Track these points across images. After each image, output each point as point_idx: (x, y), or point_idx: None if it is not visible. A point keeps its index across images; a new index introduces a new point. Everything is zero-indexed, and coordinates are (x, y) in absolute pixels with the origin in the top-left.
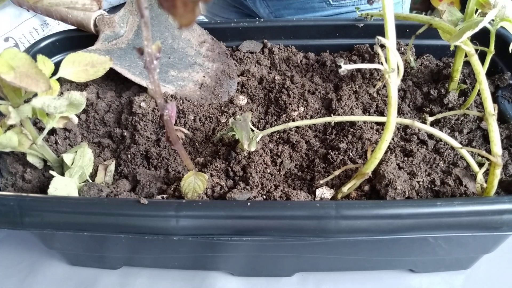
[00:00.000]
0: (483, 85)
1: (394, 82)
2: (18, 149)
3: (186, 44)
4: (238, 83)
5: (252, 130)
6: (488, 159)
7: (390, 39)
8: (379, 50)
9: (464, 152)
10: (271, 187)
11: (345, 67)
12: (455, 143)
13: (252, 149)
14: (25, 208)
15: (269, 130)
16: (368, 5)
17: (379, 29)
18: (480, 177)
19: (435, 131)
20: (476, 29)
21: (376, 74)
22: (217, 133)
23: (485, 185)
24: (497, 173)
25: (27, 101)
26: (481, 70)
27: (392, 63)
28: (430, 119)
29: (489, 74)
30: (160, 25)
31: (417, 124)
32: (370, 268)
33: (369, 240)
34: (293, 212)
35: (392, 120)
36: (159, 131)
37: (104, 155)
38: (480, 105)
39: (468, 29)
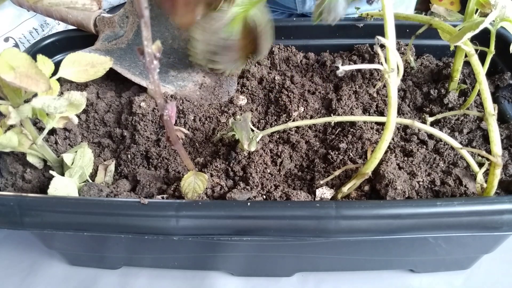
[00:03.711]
0: (483, 85)
1: (394, 82)
2: (18, 149)
3: (186, 44)
4: (238, 83)
5: (252, 130)
6: (488, 159)
7: (390, 39)
8: (379, 50)
9: (464, 152)
10: (271, 187)
11: (343, 68)
12: (455, 143)
13: (252, 149)
14: (25, 208)
15: (269, 130)
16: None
17: (379, 29)
18: (480, 177)
19: (435, 131)
20: (477, 30)
21: (376, 74)
22: (217, 133)
23: (485, 185)
24: (497, 173)
25: (27, 101)
26: (481, 70)
27: (392, 63)
28: (430, 119)
29: (489, 74)
30: (160, 25)
31: (417, 124)
32: (370, 268)
33: (369, 240)
34: (293, 212)
35: (392, 120)
36: (159, 131)
37: (104, 155)
38: (480, 105)
39: (468, 30)
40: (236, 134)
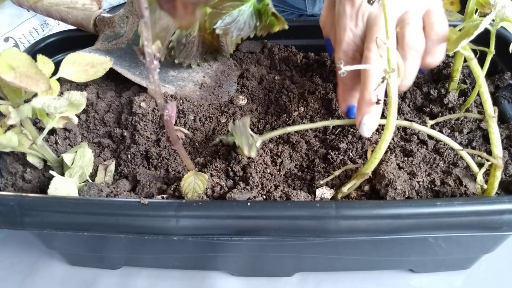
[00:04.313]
0: (483, 88)
1: (394, 82)
2: (18, 149)
3: None
4: (238, 83)
5: (252, 136)
6: (488, 161)
7: (390, 39)
8: (379, 51)
9: (464, 153)
10: (271, 187)
11: (345, 69)
12: (454, 145)
13: (253, 155)
14: (25, 208)
15: (268, 135)
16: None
17: None
18: (480, 178)
19: (434, 133)
20: (473, 36)
21: None
22: (215, 137)
23: (485, 186)
24: (498, 175)
25: (27, 101)
26: (480, 74)
27: (393, 64)
28: (430, 122)
29: (489, 74)
30: None
31: (416, 126)
32: (370, 268)
33: (369, 240)
34: (293, 212)
35: (392, 120)
36: (159, 131)
37: (104, 155)
38: (480, 105)
39: (464, 37)
40: (236, 140)
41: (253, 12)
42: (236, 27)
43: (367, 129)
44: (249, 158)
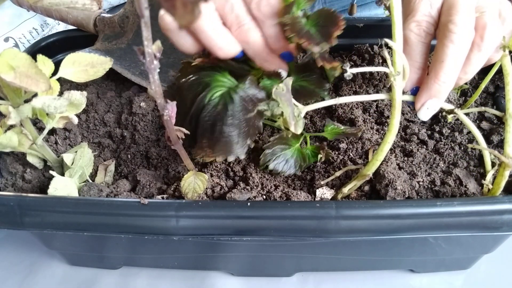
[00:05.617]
0: (510, 86)
1: (399, 85)
2: (18, 149)
3: None
4: None
5: (296, 106)
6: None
7: (397, 41)
8: (386, 53)
9: (486, 153)
10: (271, 187)
11: (351, 71)
12: (483, 143)
13: (299, 131)
14: (25, 208)
15: (313, 106)
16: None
17: (379, 29)
18: (489, 177)
19: (471, 126)
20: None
21: (376, 74)
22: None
23: (490, 186)
24: (506, 175)
25: (27, 101)
26: (510, 72)
27: (398, 66)
28: (460, 112)
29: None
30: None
31: (459, 111)
32: (370, 268)
33: (369, 240)
34: (293, 212)
35: (396, 123)
36: (159, 131)
37: (104, 155)
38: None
39: None
40: (283, 109)
41: (297, 155)
42: (283, 165)
43: (429, 113)
44: (249, 158)
